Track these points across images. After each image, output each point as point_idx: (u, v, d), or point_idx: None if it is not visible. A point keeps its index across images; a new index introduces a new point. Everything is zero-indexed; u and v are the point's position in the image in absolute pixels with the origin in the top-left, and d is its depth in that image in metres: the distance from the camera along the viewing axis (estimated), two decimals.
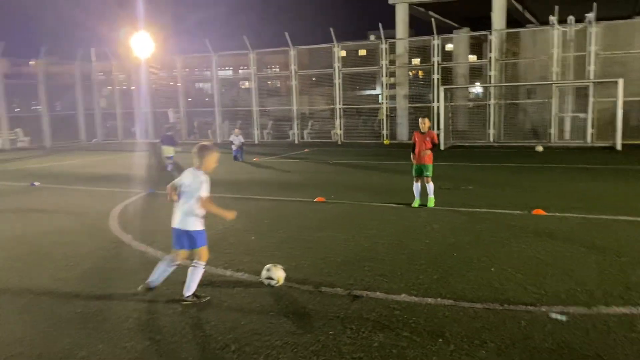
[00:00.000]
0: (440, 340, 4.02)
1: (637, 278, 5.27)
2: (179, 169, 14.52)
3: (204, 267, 4.90)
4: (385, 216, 8.51)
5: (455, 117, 23.83)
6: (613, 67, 19.82)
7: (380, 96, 24.95)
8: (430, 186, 8.99)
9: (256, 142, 26.42)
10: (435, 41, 22.93)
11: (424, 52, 24.75)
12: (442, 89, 21.14)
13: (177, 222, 4.81)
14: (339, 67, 24.79)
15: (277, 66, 35.46)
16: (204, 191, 4.72)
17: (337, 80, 24.88)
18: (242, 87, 35.37)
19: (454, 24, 33.19)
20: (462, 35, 29.04)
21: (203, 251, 4.87)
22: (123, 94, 31.22)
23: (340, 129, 25.11)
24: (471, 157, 17.41)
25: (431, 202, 8.97)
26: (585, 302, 4.67)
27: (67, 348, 4.05)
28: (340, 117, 25.07)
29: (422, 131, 8.97)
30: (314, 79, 32.85)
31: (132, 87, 31.43)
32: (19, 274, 5.88)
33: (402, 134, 24.73)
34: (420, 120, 9.08)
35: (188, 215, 4.76)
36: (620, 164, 14.70)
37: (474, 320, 4.37)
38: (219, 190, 11.45)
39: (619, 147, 18.24)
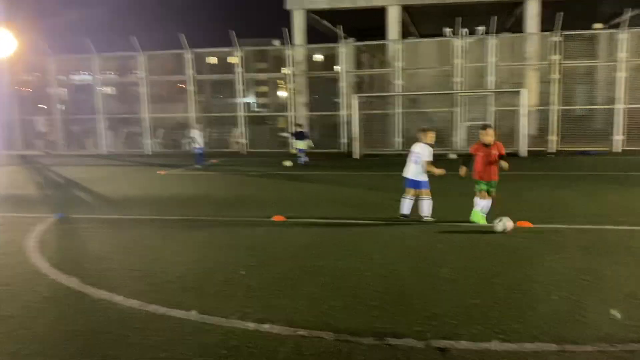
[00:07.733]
0: None
1: None
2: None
3: (429, 199, 8.14)
4: (378, 238, 7.41)
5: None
6: (512, 77, 21.03)
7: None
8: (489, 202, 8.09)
9: (150, 152, 23.96)
10: (342, 48, 22.63)
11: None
12: (355, 96, 20.73)
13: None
14: (241, 72, 23.41)
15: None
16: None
17: (239, 87, 23.46)
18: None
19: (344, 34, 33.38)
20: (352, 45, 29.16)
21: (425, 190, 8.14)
22: None
23: (246, 138, 23.65)
24: (387, 166, 17.11)
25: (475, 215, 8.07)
26: None
27: None
28: (245, 125, 23.63)
29: (487, 143, 7.88)
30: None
31: None
32: None
33: None
34: (483, 131, 7.95)
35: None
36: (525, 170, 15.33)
37: None
38: (150, 212, 9.61)
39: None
